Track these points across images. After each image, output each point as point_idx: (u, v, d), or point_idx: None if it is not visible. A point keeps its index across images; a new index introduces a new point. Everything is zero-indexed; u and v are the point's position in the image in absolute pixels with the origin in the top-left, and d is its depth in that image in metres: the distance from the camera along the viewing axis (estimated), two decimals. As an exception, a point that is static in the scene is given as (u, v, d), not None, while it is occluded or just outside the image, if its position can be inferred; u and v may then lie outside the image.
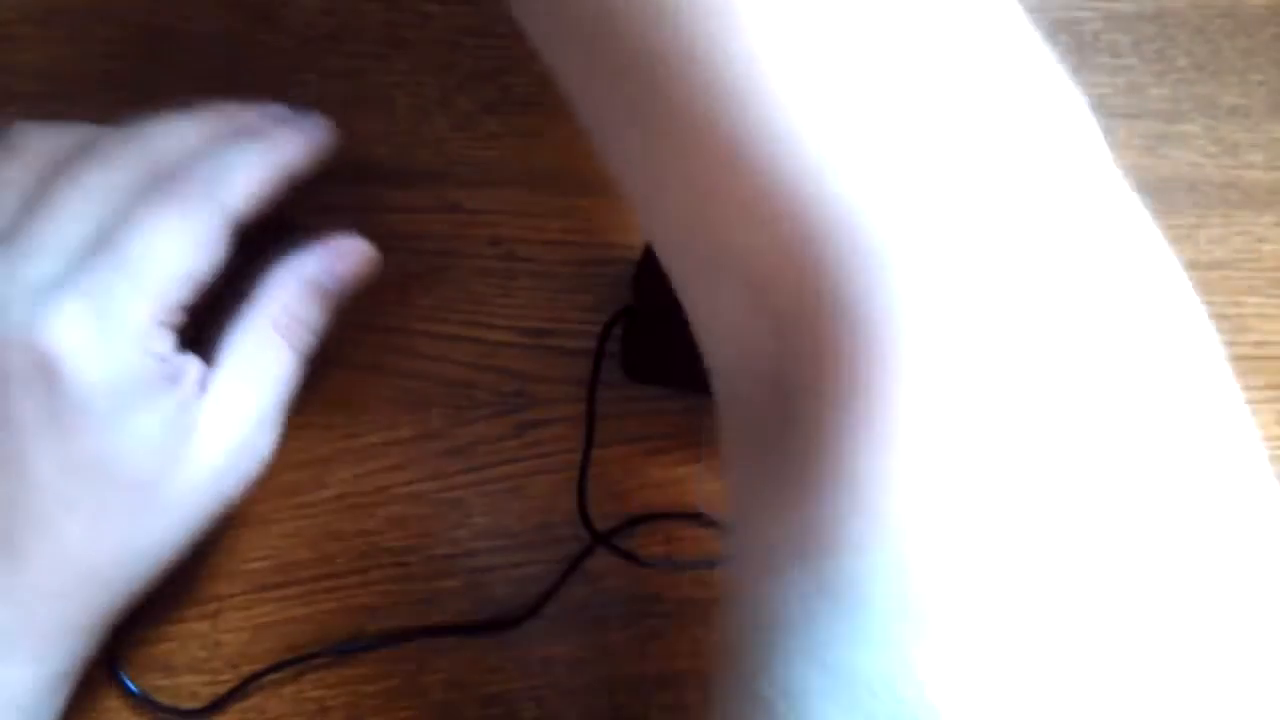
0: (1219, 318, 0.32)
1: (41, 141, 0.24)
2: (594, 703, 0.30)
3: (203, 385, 0.24)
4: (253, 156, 0.25)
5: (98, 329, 0.21)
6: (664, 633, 0.30)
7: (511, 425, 0.31)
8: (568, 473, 0.31)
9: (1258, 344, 0.32)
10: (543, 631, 0.30)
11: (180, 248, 0.22)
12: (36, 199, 0.22)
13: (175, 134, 0.25)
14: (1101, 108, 0.33)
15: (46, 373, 0.21)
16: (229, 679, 0.29)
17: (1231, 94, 0.34)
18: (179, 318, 0.23)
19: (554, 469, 0.31)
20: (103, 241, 0.22)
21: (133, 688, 0.29)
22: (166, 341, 0.23)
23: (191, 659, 0.29)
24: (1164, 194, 0.33)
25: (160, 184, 0.23)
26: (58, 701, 0.24)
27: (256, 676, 0.29)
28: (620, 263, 0.32)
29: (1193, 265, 0.32)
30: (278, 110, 0.28)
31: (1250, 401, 0.32)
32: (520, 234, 0.32)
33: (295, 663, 0.29)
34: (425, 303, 0.32)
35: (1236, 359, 0.31)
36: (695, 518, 0.29)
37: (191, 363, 0.24)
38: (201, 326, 0.25)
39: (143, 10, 0.35)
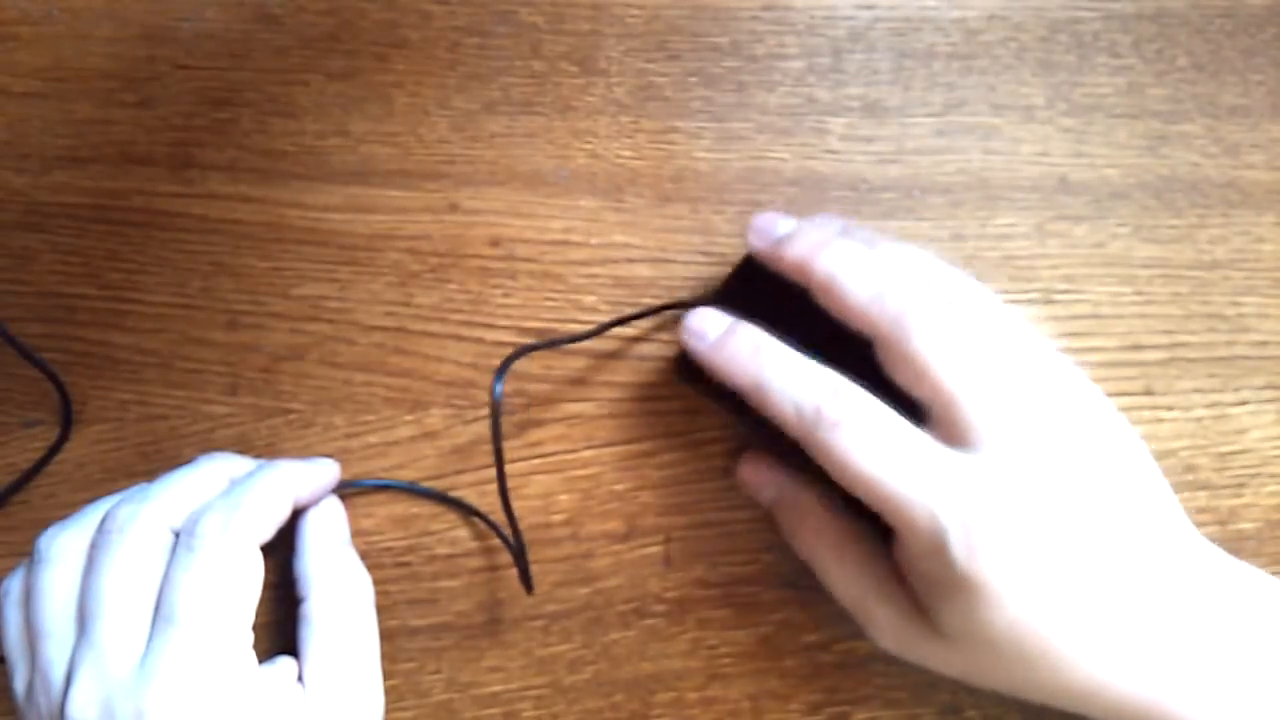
0: (1219, 318, 0.32)
1: (66, 543, 0.25)
2: (594, 703, 0.30)
3: (300, 679, 0.26)
4: (266, 490, 0.26)
5: (196, 689, 0.23)
6: (664, 633, 0.30)
7: (511, 425, 0.31)
8: (568, 472, 0.31)
9: (1258, 344, 0.32)
10: (542, 631, 0.30)
11: (229, 591, 0.24)
12: (89, 598, 0.24)
13: (190, 492, 0.26)
14: (1101, 108, 0.34)
15: None
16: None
17: (1231, 94, 0.34)
18: (251, 633, 0.25)
19: (554, 469, 0.31)
20: (165, 617, 0.24)
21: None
22: (253, 658, 0.25)
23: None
24: (1164, 194, 0.33)
25: (189, 540, 0.25)
26: None
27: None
28: (620, 262, 0.32)
29: (1193, 265, 0.33)
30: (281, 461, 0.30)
31: (1250, 401, 0.32)
32: (520, 234, 0.32)
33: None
34: (425, 303, 0.32)
35: (1236, 359, 0.32)
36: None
37: (285, 664, 0.26)
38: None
39: (143, 10, 0.35)
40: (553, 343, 0.30)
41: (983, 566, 0.22)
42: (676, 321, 0.31)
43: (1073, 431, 0.23)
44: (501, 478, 0.27)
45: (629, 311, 0.31)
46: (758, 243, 0.28)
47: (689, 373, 0.29)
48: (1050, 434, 0.23)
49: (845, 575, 0.27)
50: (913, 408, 0.24)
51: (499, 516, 0.30)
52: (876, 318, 0.24)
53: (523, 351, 0.28)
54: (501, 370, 0.27)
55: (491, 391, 0.26)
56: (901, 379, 0.24)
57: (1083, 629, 0.22)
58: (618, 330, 0.31)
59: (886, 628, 0.26)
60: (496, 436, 0.27)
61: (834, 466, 0.24)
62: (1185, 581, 0.23)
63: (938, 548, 0.22)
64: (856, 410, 0.24)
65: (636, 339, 0.31)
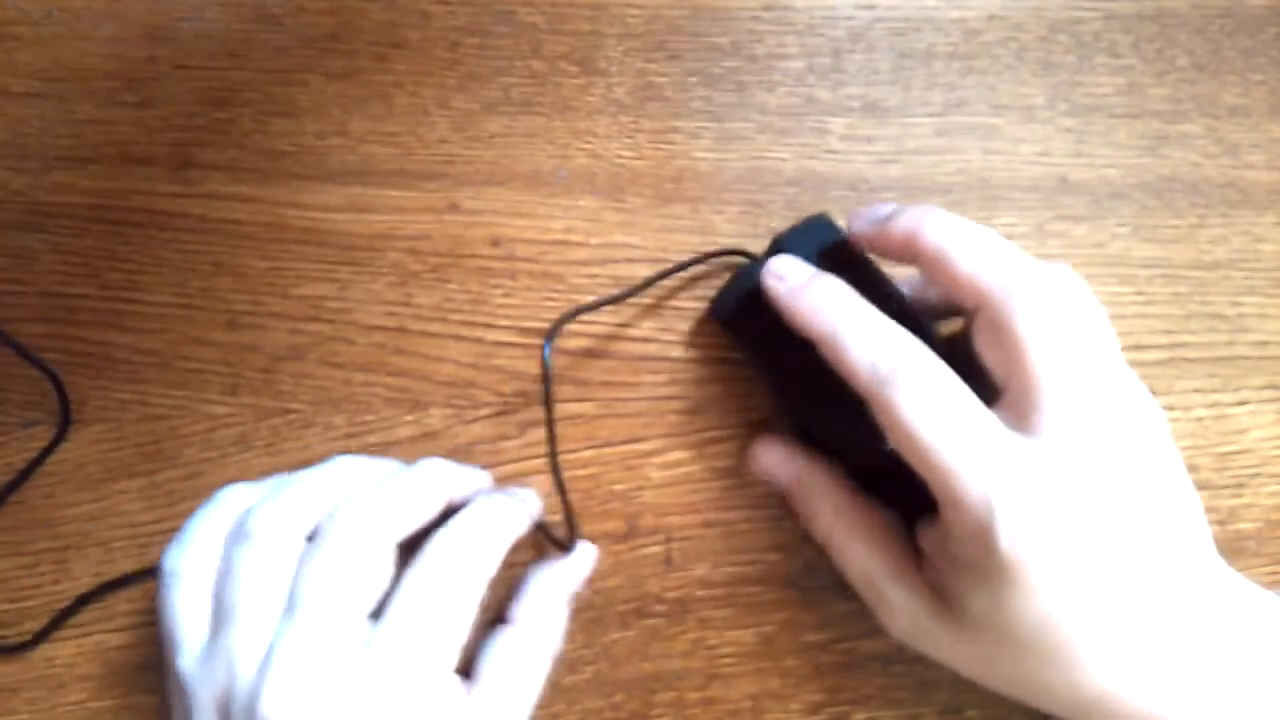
0: (1219, 318, 0.32)
1: (192, 559, 0.25)
2: (594, 703, 0.30)
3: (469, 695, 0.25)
4: (413, 488, 0.26)
5: (309, 673, 0.22)
6: (664, 633, 0.30)
7: (511, 425, 0.31)
8: (568, 472, 0.31)
9: (1258, 344, 0.32)
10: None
11: (349, 580, 0.24)
12: (221, 599, 0.24)
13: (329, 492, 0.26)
14: (1101, 108, 0.34)
15: None
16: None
17: (1231, 94, 0.34)
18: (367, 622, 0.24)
19: (554, 469, 0.31)
20: (286, 608, 0.24)
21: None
22: (361, 645, 0.24)
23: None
24: (1164, 194, 0.33)
25: (323, 532, 0.25)
26: None
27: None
28: (620, 262, 0.32)
29: (1193, 265, 0.33)
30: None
31: (1250, 401, 0.32)
32: (520, 234, 0.32)
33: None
34: (425, 303, 0.32)
35: (1236, 359, 0.32)
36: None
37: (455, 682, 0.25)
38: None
39: (143, 10, 0.35)
40: (600, 303, 0.29)
41: (1025, 553, 0.22)
42: (676, 317, 0.31)
43: (1131, 443, 0.23)
44: (552, 439, 0.27)
45: (629, 310, 0.31)
46: (860, 226, 0.28)
47: (724, 313, 0.30)
48: (1111, 440, 0.23)
49: (862, 556, 0.27)
50: (976, 383, 0.24)
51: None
52: (985, 290, 0.24)
53: (574, 314, 0.28)
54: (551, 333, 0.27)
55: (542, 353, 0.26)
56: (991, 354, 0.24)
57: (1107, 636, 0.22)
58: (618, 330, 0.31)
59: (900, 611, 0.26)
60: (548, 399, 0.27)
61: (895, 426, 0.24)
62: (1209, 610, 0.23)
63: (983, 528, 0.22)
64: (929, 376, 0.24)
65: (638, 339, 0.31)
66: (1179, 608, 0.23)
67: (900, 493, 0.26)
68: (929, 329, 0.26)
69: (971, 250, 0.25)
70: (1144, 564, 0.22)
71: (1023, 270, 0.24)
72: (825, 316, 0.25)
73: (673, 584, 0.30)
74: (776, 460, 0.29)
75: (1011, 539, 0.22)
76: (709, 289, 0.32)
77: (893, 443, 0.24)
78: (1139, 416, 0.24)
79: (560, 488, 0.28)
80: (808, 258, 0.28)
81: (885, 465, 0.26)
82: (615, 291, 0.30)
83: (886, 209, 0.27)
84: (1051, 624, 0.22)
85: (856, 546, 0.27)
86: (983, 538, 0.22)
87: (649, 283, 0.30)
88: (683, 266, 0.31)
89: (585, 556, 0.29)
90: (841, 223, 0.32)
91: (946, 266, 0.25)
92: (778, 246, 0.29)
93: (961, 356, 0.25)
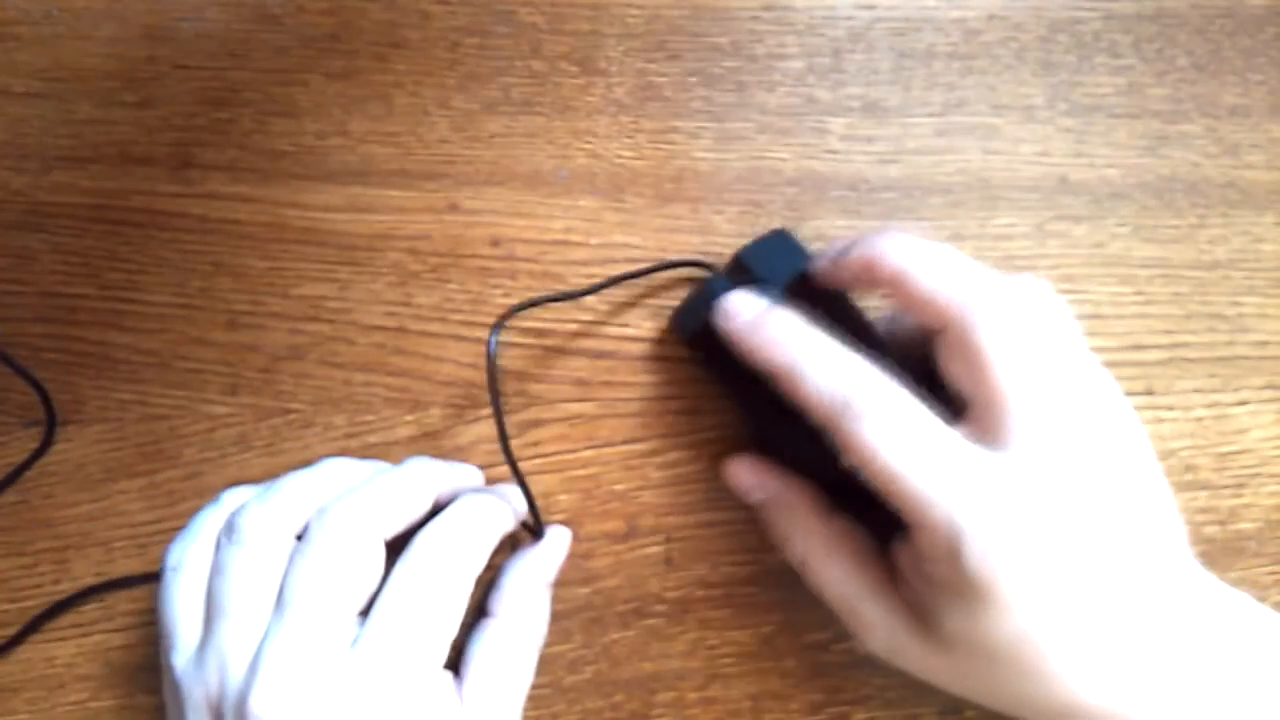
0: (1219, 318, 0.32)
1: (191, 555, 0.26)
2: (594, 703, 0.30)
3: (460, 696, 0.26)
4: (402, 485, 0.26)
5: (298, 671, 0.23)
6: (664, 633, 0.30)
7: (511, 425, 0.31)
8: (568, 472, 0.31)
9: (1258, 344, 0.32)
10: (543, 631, 0.30)
11: (339, 578, 0.24)
12: (212, 598, 0.25)
13: (318, 493, 0.26)
14: (1101, 108, 0.34)
15: None
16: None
17: (1231, 94, 0.34)
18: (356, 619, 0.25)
19: (554, 469, 0.31)
20: (276, 606, 0.24)
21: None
22: (347, 644, 0.24)
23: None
24: (1164, 194, 0.33)
25: (311, 530, 0.25)
26: None
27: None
28: (620, 262, 0.32)
29: (1193, 265, 0.33)
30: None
31: (1250, 401, 0.32)
32: (520, 234, 0.32)
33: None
34: (425, 303, 0.32)
35: (1236, 359, 0.32)
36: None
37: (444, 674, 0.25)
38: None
39: (143, 10, 0.35)
40: (554, 298, 0.29)
41: (995, 572, 0.22)
42: (675, 314, 0.31)
43: (1102, 453, 0.23)
44: (501, 425, 0.27)
45: (629, 310, 0.31)
46: (820, 264, 0.28)
47: (686, 331, 0.30)
48: (1080, 451, 0.23)
49: (837, 576, 0.27)
50: (947, 404, 0.24)
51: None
52: (944, 306, 0.24)
53: (522, 307, 0.28)
54: (498, 325, 0.27)
55: (487, 344, 0.27)
56: (955, 370, 0.24)
57: (1082, 649, 0.22)
58: (618, 331, 0.31)
59: (877, 630, 0.26)
60: (494, 386, 0.27)
61: (857, 455, 0.24)
62: (1182, 613, 0.23)
63: (952, 549, 0.22)
64: (886, 403, 0.24)
65: (638, 339, 0.31)
66: (1152, 614, 0.22)
67: (870, 508, 0.26)
68: (892, 353, 0.26)
69: (930, 269, 0.25)
70: (1115, 572, 0.22)
71: (982, 284, 0.24)
72: (779, 350, 0.25)
73: (673, 584, 0.30)
74: (750, 480, 0.29)
75: (980, 558, 0.22)
76: (709, 289, 0.32)
77: (858, 471, 0.24)
78: (1109, 419, 0.24)
79: (516, 474, 0.27)
80: (772, 278, 0.28)
81: (850, 485, 0.26)
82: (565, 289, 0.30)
83: (845, 242, 0.27)
84: (1025, 639, 0.22)
85: (832, 568, 0.27)
86: (952, 558, 0.22)
87: (611, 282, 0.30)
88: (636, 275, 0.30)
89: (559, 541, 0.29)
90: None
91: (906, 287, 0.25)
92: (739, 262, 0.29)
93: (925, 379, 0.24)
